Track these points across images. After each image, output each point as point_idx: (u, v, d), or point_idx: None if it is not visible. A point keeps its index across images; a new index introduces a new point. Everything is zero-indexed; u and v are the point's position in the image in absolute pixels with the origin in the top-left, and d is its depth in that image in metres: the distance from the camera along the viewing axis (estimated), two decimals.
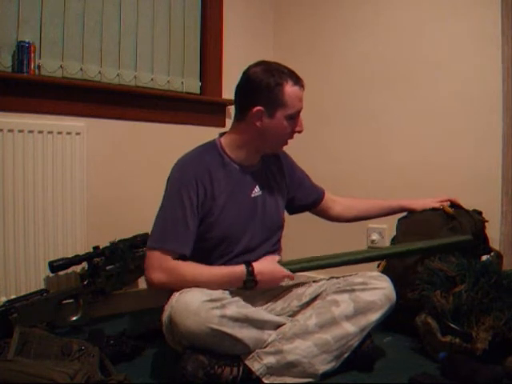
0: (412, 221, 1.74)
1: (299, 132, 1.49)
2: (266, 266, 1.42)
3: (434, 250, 1.59)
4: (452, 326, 1.39)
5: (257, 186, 1.53)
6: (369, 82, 2.23)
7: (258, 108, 1.41)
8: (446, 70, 1.99)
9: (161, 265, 1.36)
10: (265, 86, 1.40)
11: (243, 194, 1.50)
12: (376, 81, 2.21)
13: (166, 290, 1.40)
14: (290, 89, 1.41)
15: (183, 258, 1.39)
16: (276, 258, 1.49)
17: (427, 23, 2.04)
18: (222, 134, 1.55)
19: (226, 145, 1.50)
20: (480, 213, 1.73)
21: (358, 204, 1.80)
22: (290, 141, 1.54)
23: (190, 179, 1.41)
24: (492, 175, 1.86)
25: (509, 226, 1.84)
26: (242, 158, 1.50)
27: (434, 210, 1.72)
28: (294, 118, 1.45)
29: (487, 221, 1.71)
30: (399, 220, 1.80)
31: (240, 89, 1.48)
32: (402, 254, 1.63)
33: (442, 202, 1.75)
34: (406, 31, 2.11)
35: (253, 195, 1.52)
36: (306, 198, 1.71)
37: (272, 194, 1.58)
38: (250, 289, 1.39)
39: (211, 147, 1.51)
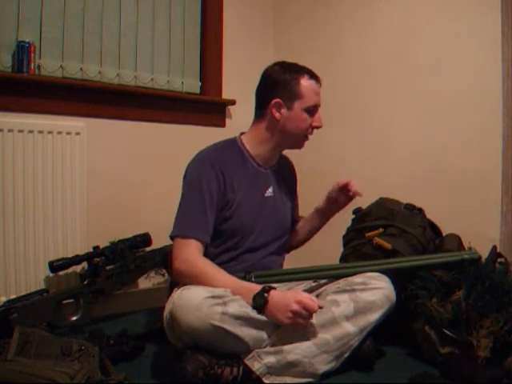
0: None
1: (318, 127, 1.52)
2: (282, 294, 1.31)
3: (430, 267, 1.50)
4: (452, 336, 1.37)
5: (271, 187, 1.56)
6: (369, 81, 2.23)
7: (277, 100, 1.47)
8: (445, 69, 1.98)
9: (182, 254, 1.39)
10: (282, 80, 1.48)
11: (258, 192, 1.53)
12: (376, 80, 2.21)
13: (167, 289, 1.41)
14: (306, 82, 1.47)
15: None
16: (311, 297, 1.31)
17: (427, 23, 2.04)
18: (242, 134, 1.58)
19: (247, 142, 1.54)
20: (413, 207, 1.67)
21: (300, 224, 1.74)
22: None
23: (209, 170, 1.44)
24: (492, 175, 1.86)
25: (509, 226, 1.83)
26: (262, 156, 1.54)
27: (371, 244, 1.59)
28: (311, 111, 1.49)
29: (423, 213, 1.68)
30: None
31: (259, 87, 1.54)
32: (401, 268, 1.51)
33: (338, 188, 1.60)
34: (407, 31, 2.11)
35: (266, 195, 1.55)
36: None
37: (282, 197, 1.61)
38: (258, 308, 1.29)
39: (231, 143, 1.54)
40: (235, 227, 1.47)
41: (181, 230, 1.42)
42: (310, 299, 1.27)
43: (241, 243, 1.48)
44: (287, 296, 1.28)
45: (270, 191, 1.56)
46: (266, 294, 1.29)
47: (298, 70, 1.49)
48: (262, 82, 1.53)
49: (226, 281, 1.34)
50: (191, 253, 1.38)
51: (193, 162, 1.49)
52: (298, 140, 1.54)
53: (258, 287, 1.32)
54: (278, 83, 1.48)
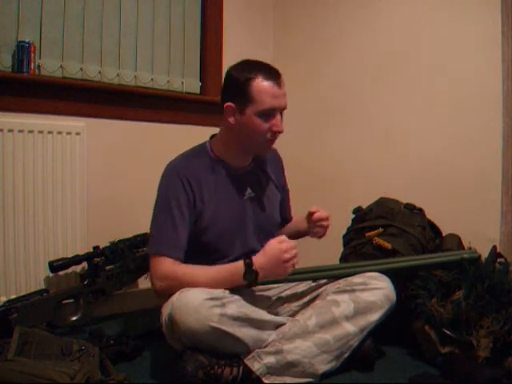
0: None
1: (278, 132, 1.41)
2: (268, 256, 1.31)
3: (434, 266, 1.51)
4: (452, 335, 1.37)
5: (249, 188, 1.52)
6: (369, 81, 2.23)
7: (228, 104, 1.40)
8: (446, 69, 1.98)
9: (159, 272, 1.37)
10: (235, 81, 1.40)
11: (235, 196, 1.49)
12: (376, 80, 2.21)
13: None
14: (259, 84, 1.36)
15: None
16: (281, 239, 1.33)
17: (427, 23, 2.03)
18: (212, 136, 1.54)
19: (215, 146, 1.50)
20: (413, 207, 1.69)
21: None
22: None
23: (177, 183, 1.40)
24: (492, 175, 1.86)
25: (509, 226, 1.84)
26: (232, 159, 1.49)
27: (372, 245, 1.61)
28: (268, 115, 1.37)
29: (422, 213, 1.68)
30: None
31: (221, 88, 1.48)
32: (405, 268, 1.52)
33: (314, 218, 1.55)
34: (407, 31, 2.10)
35: (245, 197, 1.51)
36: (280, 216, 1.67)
37: (266, 194, 1.57)
38: (253, 282, 1.32)
39: (200, 150, 1.50)
40: (216, 235, 1.44)
41: (154, 248, 1.40)
42: (284, 243, 1.30)
43: (228, 250, 1.45)
44: (272, 252, 1.30)
45: (248, 192, 1.51)
46: (253, 268, 1.30)
47: (252, 71, 1.37)
48: (223, 82, 1.46)
49: (209, 273, 1.33)
50: (166, 269, 1.35)
51: (162, 176, 1.45)
52: (258, 145, 1.43)
53: (241, 265, 1.31)
54: (231, 85, 1.40)
